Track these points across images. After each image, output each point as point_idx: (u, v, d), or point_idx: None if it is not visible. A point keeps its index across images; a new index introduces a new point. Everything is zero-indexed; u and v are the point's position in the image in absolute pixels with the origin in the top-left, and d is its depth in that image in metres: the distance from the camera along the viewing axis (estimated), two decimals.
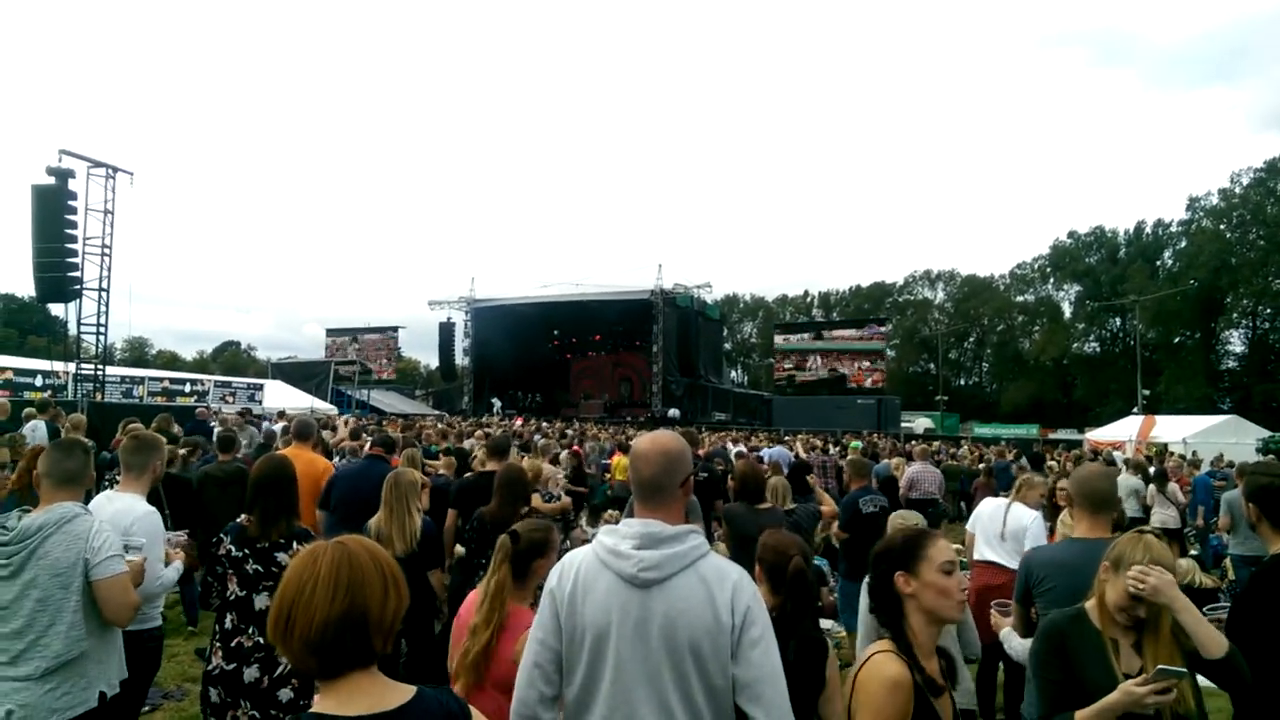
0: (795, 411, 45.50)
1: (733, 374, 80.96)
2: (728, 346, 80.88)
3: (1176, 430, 24.82)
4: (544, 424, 27.52)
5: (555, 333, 53.73)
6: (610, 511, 8.60)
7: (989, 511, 5.93)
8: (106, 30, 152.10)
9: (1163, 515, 11.11)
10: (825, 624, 7.22)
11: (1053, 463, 17.81)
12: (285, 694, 3.53)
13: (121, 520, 3.54)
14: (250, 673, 3.52)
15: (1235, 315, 61.96)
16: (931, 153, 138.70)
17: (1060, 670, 2.53)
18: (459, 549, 5.06)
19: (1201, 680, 2.45)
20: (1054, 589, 3.30)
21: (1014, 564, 5.61)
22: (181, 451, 7.53)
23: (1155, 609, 2.45)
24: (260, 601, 3.59)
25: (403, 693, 1.53)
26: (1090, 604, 2.65)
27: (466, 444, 12.27)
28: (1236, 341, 64.71)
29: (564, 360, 55.51)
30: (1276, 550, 3.18)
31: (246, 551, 3.66)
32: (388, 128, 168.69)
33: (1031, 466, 15.08)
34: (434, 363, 63.00)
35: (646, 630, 1.97)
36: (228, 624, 3.62)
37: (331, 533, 5.47)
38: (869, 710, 2.12)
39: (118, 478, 4.06)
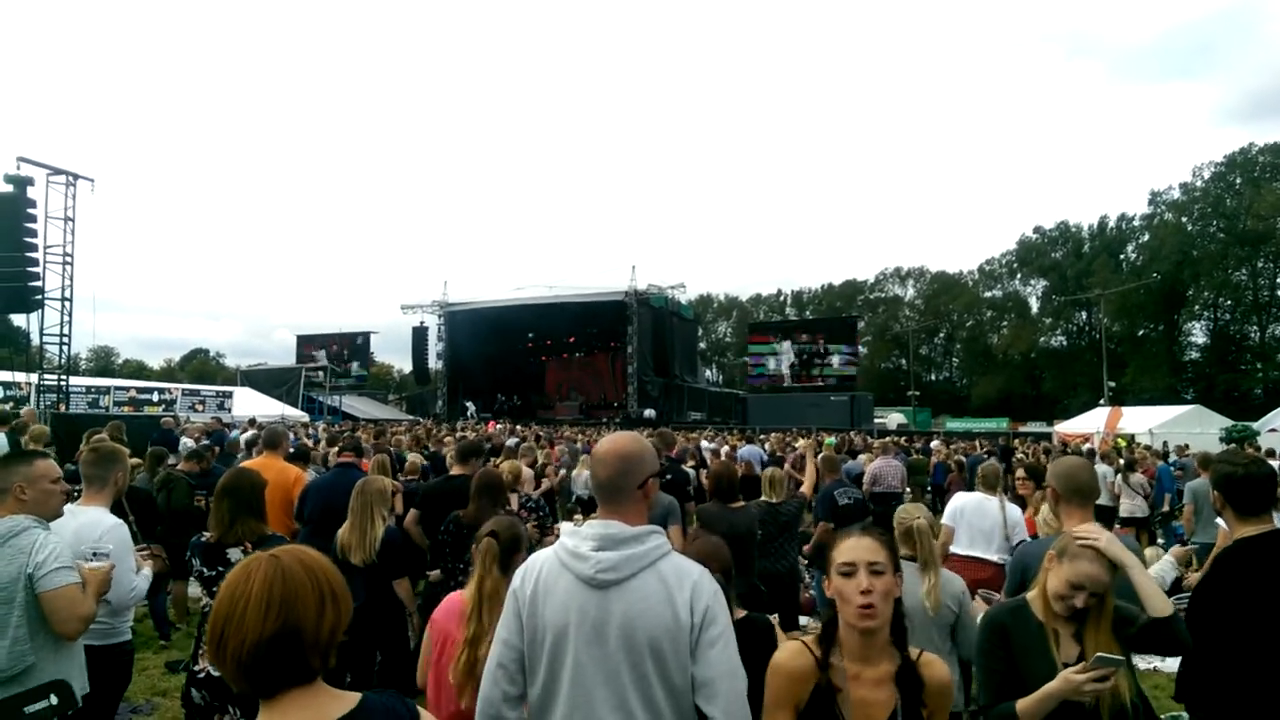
0: (769, 410, 45.70)
1: (708, 373, 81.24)
2: (702, 346, 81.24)
3: (1142, 421, 25.21)
4: (518, 427, 27.45)
5: (529, 335, 53.57)
6: (578, 517, 8.59)
7: (972, 506, 5.98)
8: (65, 34, 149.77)
9: (1130, 505, 11.29)
10: (803, 620, 7.27)
11: (1021, 455, 18.05)
12: None
13: (89, 533, 3.48)
14: None
15: (1197, 307, 63.20)
16: (900, 151, 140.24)
17: (1003, 660, 2.56)
18: (434, 573, 5.02)
19: (1155, 663, 2.50)
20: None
21: (997, 558, 5.70)
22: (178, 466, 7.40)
23: (1095, 597, 2.48)
24: None
25: (346, 702, 1.50)
26: (1032, 595, 2.68)
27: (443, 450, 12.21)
28: (1199, 333, 66.11)
29: (539, 362, 55.36)
30: (1239, 536, 3.23)
31: (219, 570, 3.66)
32: (359, 131, 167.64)
33: (1001, 459, 15.30)
34: (407, 367, 62.85)
35: (604, 631, 1.98)
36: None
37: (306, 543, 5.46)
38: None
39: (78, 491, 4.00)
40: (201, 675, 3.55)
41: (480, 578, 3.03)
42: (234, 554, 3.66)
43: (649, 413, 40.55)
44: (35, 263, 16.66)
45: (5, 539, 3.00)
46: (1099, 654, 2.25)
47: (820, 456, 8.33)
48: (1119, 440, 22.13)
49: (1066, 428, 29.44)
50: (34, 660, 2.97)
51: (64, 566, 3.05)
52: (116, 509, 3.92)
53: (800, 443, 14.68)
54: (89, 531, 3.51)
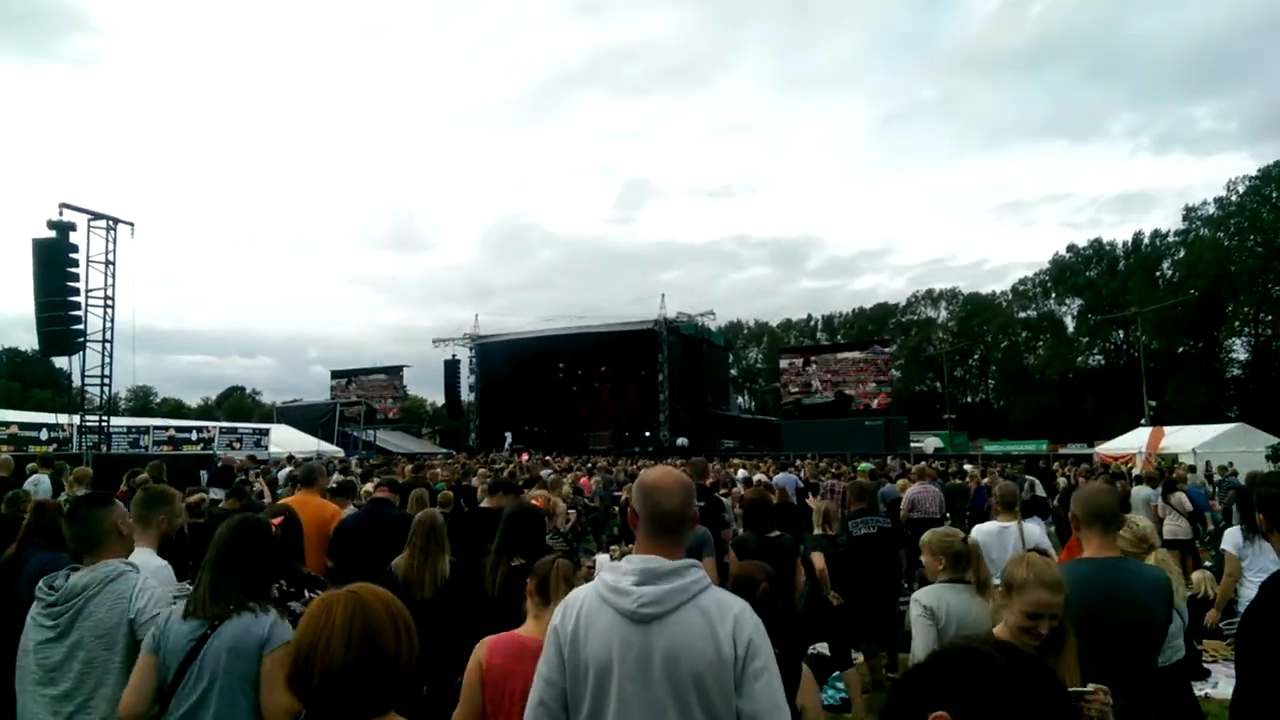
0: (803, 436, 45.28)
1: (739, 400, 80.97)
2: (733, 373, 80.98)
3: (1185, 440, 24.69)
4: (548, 458, 27.52)
5: (560, 365, 53.91)
6: (614, 547, 8.56)
7: (993, 541, 5.88)
8: (104, 81, 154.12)
9: (1173, 526, 11.02)
10: (819, 646, 7.19)
11: (1062, 478, 17.77)
12: None
13: None
14: None
15: (1237, 323, 61.96)
16: (930, 169, 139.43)
17: None
18: None
19: (1207, 690, 2.45)
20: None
21: None
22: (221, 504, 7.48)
23: (1055, 620, 2.49)
24: None
25: None
26: (998, 630, 2.68)
27: (474, 481, 12.26)
28: (1240, 349, 64.71)
29: (570, 393, 55.58)
30: None
31: None
32: (389, 169, 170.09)
33: (1041, 481, 15.04)
34: (440, 400, 63.26)
35: (648, 666, 1.98)
36: None
37: (339, 580, 5.48)
38: None
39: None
40: None
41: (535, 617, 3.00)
42: (271, 590, 3.66)
43: (682, 441, 40.48)
44: (77, 306, 17.07)
45: (104, 584, 2.99)
46: (1070, 689, 2.21)
47: (850, 483, 8.27)
48: (1161, 461, 21.72)
49: (1108, 449, 28.92)
50: None
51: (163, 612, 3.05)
52: (177, 545, 3.95)
53: (827, 480, 14.54)
54: None
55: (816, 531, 6.30)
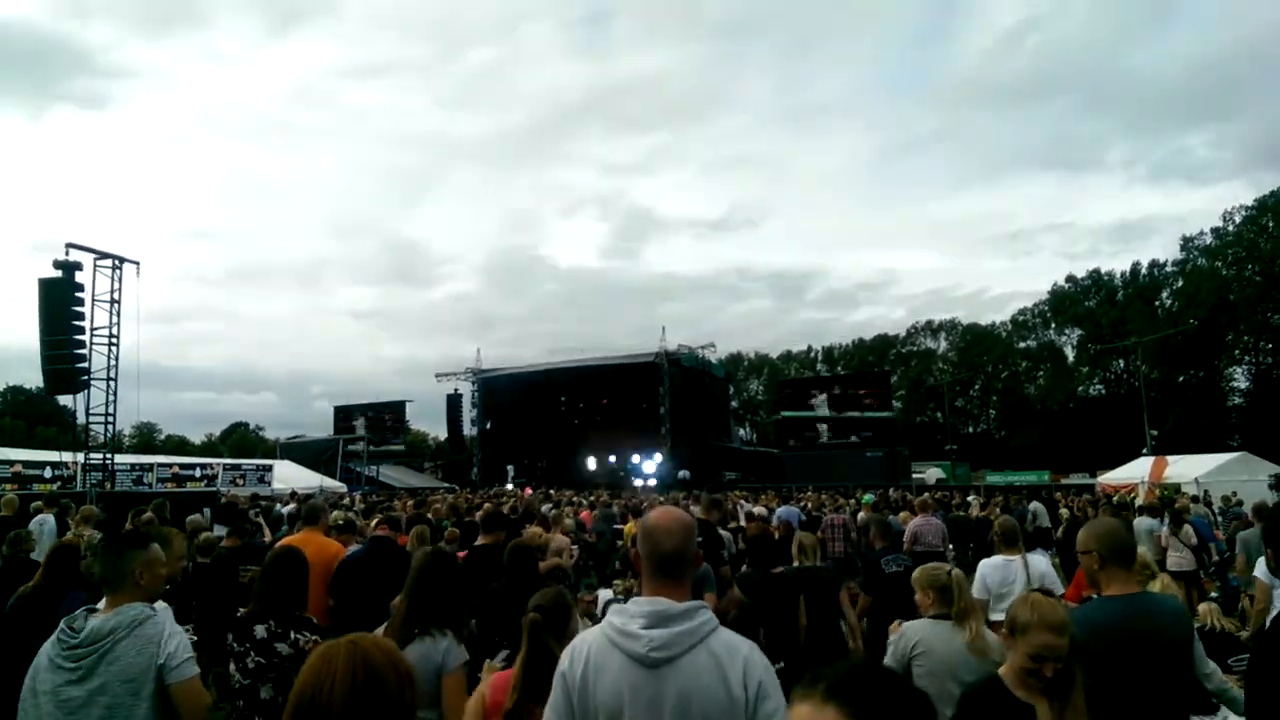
0: (806, 467, 45.22)
1: (741, 432, 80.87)
2: (735, 405, 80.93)
3: (1188, 470, 24.63)
4: (551, 491, 27.48)
5: (562, 399, 53.87)
6: (617, 582, 8.51)
7: (996, 576, 5.90)
8: (112, 123, 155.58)
9: (1177, 558, 11.01)
10: None
11: (1065, 509, 17.72)
12: None
13: None
14: None
15: (1237, 351, 62.10)
16: (929, 200, 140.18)
17: None
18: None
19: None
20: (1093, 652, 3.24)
21: None
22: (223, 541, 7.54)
23: (1060, 662, 2.49)
24: (265, 692, 3.62)
25: None
26: (1004, 670, 2.69)
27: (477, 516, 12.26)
28: (1240, 378, 64.83)
29: (573, 426, 55.55)
30: None
31: (247, 645, 3.71)
32: (391, 205, 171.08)
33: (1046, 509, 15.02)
34: (442, 434, 63.18)
35: (659, 709, 1.99)
36: (241, 706, 3.68)
37: (339, 617, 5.49)
38: None
39: None
40: None
41: (524, 652, 2.96)
42: (259, 630, 3.71)
43: (683, 474, 40.38)
44: (82, 345, 17.14)
45: (131, 628, 2.95)
46: None
47: (870, 518, 8.29)
48: (1165, 491, 21.66)
49: (1110, 479, 28.84)
50: None
51: (190, 657, 3.03)
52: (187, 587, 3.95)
53: (829, 514, 14.50)
54: None
55: (795, 564, 6.26)
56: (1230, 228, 63.57)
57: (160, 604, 3.74)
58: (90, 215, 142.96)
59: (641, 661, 2.03)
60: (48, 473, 21.02)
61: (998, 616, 5.68)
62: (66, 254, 17.08)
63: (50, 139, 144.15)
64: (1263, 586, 6.02)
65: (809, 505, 16.71)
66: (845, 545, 12.43)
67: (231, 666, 3.75)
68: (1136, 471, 27.10)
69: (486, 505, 14.91)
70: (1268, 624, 6.06)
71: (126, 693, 2.87)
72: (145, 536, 3.37)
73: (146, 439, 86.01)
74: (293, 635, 3.73)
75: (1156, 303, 68.52)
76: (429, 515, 11.79)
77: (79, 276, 17.20)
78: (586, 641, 2.19)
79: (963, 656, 3.67)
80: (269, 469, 29.31)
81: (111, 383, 18.37)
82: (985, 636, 3.72)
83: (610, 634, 2.12)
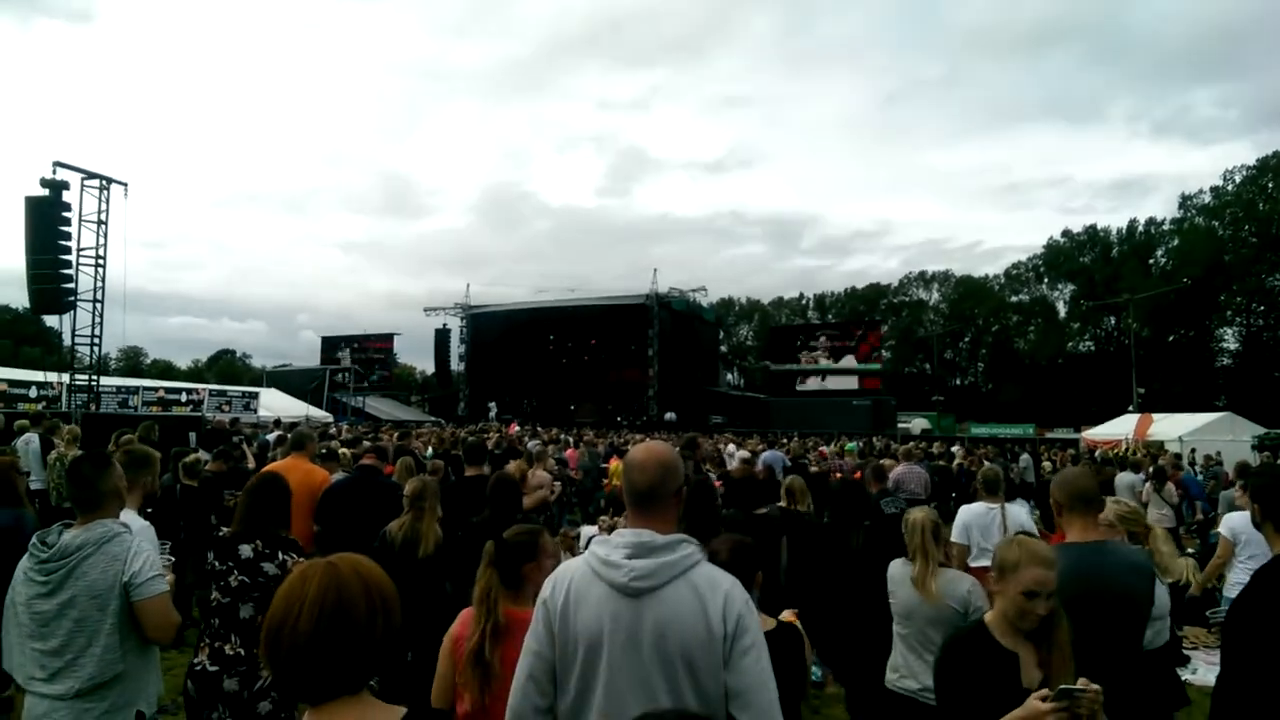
0: (792, 414, 45.48)
1: (729, 376, 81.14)
2: (724, 349, 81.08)
3: (1173, 428, 24.86)
4: (537, 429, 27.59)
5: (551, 337, 53.83)
6: (603, 518, 8.57)
7: (976, 521, 5.95)
8: (98, 38, 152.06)
9: (1157, 514, 11.12)
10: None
11: (1047, 462, 17.89)
12: (264, 706, 3.55)
13: None
14: (230, 684, 3.56)
15: (1229, 312, 62.24)
16: (927, 149, 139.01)
17: (964, 686, 2.52)
18: None
19: (1186, 676, 2.45)
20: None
21: None
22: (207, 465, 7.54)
23: (1053, 609, 2.49)
24: (245, 611, 3.66)
25: (391, 715, 1.51)
26: (989, 617, 2.67)
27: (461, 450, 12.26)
28: (1231, 339, 65.04)
29: (560, 365, 55.59)
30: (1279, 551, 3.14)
31: (230, 564, 3.72)
32: (380, 132, 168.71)
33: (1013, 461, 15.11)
34: (430, 369, 63.22)
35: (638, 639, 1.98)
36: (216, 625, 3.69)
37: (323, 543, 5.50)
38: None
39: None
40: (198, 668, 3.62)
41: (477, 580, 2.96)
42: (244, 550, 3.73)
43: (670, 416, 40.59)
44: (69, 265, 16.89)
45: (99, 545, 2.99)
46: (1063, 685, 2.21)
47: (869, 465, 8.49)
48: (1148, 448, 21.86)
49: (1094, 434, 29.11)
50: (124, 667, 2.99)
51: (158, 574, 3.08)
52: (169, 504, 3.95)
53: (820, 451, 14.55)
54: None
55: (761, 510, 6.30)
56: (1230, 187, 63.22)
57: (142, 522, 3.74)
58: (80, 134, 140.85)
59: (623, 591, 2.01)
60: (33, 392, 20.95)
61: (982, 563, 5.74)
62: (54, 172, 16.73)
63: (36, 54, 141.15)
64: (1225, 541, 6.11)
65: (794, 452, 16.79)
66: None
67: (212, 588, 3.76)
68: (1121, 428, 27.35)
69: (471, 440, 14.94)
70: (1226, 574, 6.17)
71: (94, 607, 2.94)
72: (108, 457, 3.39)
73: (133, 363, 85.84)
74: (280, 556, 3.76)
75: (1151, 261, 68.41)
76: (413, 448, 11.79)
77: (66, 196, 16.88)
78: (569, 570, 2.17)
79: (916, 598, 3.82)
80: (255, 396, 29.31)
81: (98, 305, 18.15)
82: (941, 575, 3.84)
83: (593, 564, 2.10)
